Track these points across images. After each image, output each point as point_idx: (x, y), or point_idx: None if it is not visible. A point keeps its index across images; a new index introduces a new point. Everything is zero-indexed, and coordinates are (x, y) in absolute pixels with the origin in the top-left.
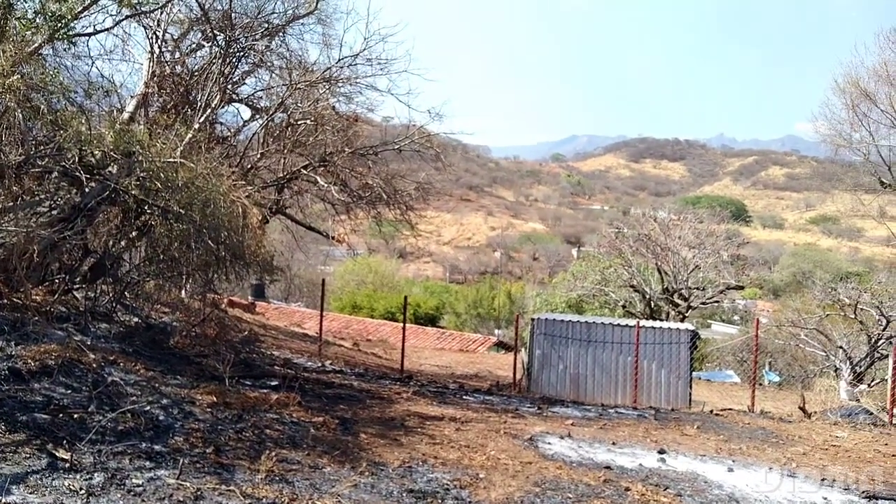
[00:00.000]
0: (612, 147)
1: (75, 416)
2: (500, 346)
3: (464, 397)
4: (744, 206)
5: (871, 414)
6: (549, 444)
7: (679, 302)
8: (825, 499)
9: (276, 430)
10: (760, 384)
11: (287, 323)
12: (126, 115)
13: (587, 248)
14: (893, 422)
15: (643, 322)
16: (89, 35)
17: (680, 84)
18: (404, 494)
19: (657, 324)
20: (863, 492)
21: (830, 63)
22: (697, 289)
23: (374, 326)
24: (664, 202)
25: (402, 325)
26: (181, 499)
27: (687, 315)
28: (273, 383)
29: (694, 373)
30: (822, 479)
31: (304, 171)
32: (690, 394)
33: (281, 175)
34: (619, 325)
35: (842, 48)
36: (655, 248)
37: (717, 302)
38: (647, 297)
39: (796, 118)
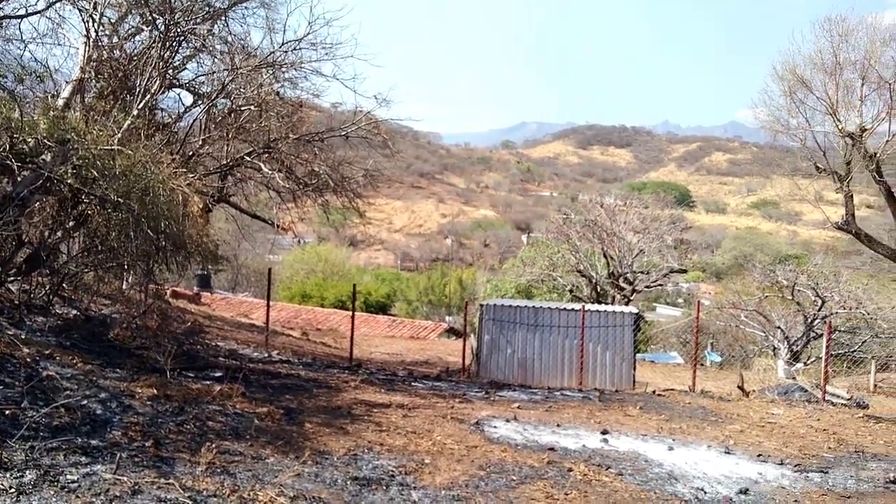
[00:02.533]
0: (560, 134)
1: (7, 412)
2: (452, 332)
3: (412, 384)
4: (688, 191)
5: (806, 391)
6: (495, 427)
7: (624, 286)
8: (760, 474)
9: (219, 422)
10: (702, 365)
11: (234, 313)
12: (61, 102)
13: (536, 234)
14: (826, 398)
15: (589, 306)
16: (20, 17)
17: (627, 71)
18: (349, 482)
19: (602, 307)
20: (796, 466)
21: (771, 51)
22: (642, 273)
23: (323, 315)
24: (611, 188)
25: (352, 313)
26: (118, 494)
27: (632, 298)
28: (217, 375)
29: (638, 354)
30: (758, 455)
31: (248, 158)
32: (634, 375)
33: (224, 162)
34: (565, 309)
35: (782, 36)
36: (602, 234)
37: (660, 285)
38: (594, 281)
39: (738, 105)
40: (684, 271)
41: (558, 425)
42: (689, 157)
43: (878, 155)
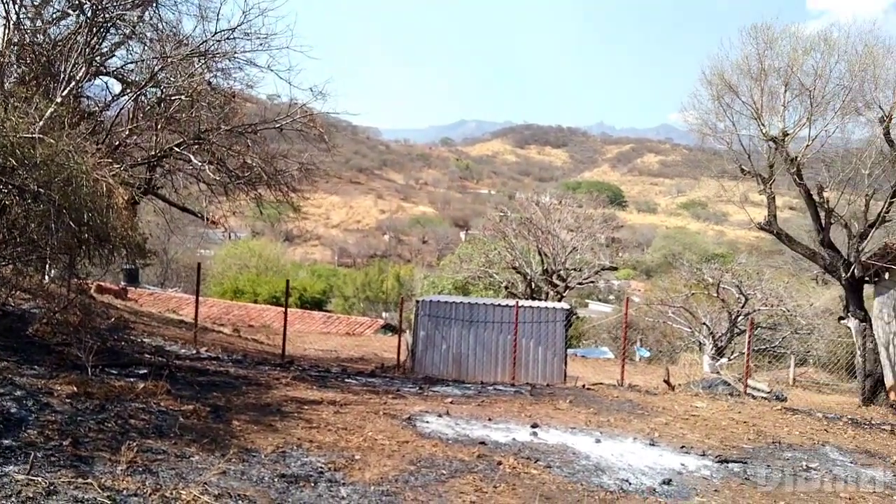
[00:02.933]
0: (499, 133)
1: None
2: (388, 328)
3: (346, 380)
4: (621, 191)
5: (729, 385)
6: (428, 422)
7: (558, 282)
8: (683, 465)
9: (142, 420)
10: (632, 359)
11: (162, 309)
12: None
13: (474, 231)
14: (747, 391)
15: (522, 302)
16: None
17: (564, 73)
18: (276, 479)
19: (535, 303)
20: (716, 457)
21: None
22: (575, 270)
23: (256, 312)
24: (547, 187)
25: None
26: (31, 495)
27: (565, 295)
28: (142, 372)
29: (570, 349)
30: (682, 447)
31: (177, 150)
32: (565, 370)
33: (152, 153)
34: (499, 305)
35: (712, 42)
36: (537, 232)
37: (592, 282)
38: (529, 278)
39: (670, 108)
40: (615, 269)
41: (490, 419)
42: (622, 157)
43: (798, 158)
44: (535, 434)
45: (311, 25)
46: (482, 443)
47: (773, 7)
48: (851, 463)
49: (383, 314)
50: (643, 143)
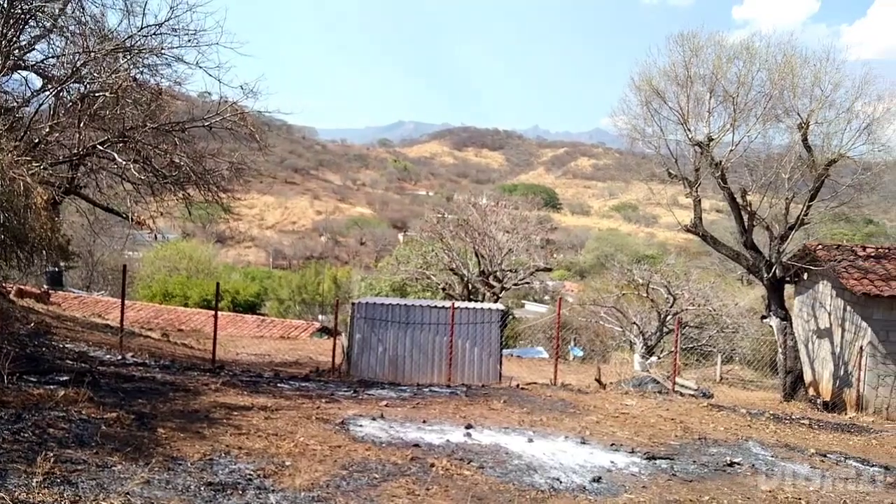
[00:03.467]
0: (437, 134)
1: None
2: (325, 331)
3: (278, 385)
4: (555, 194)
5: (658, 383)
6: (361, 426)
7: (494, 283)
8: (612, 462)
9: (62, 429)
10: (565, 359)
11: (87, 313)
12: None
13: (412, 232)
14: (675, 389)
15: (458, 303)
16: None
17: (500, 76)
18: (202, 488)
19: (471, 305)
20: (645, 454)
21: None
22: (511, 271)
23: (187, 315)
24: (484, 189)
25: (219, 313)
26: None
27: (501, 296)
28: (62, 379)
29: (507, 350)
30: (612, 445)
31: (101, 148)
32: (501, 370)
33: (74, 151)
34: (436, 306)
35: (642, 49)
36: (474, 233)
37: (528, 283)
38: (466, 279)
39: (602, 113)
40: (549, 270)
41: (424, 421)
42: (556, 161)
43: (723, 163)
44: (468, 435)
45: (244, 22)
46: (416, 445)
47: (700, 16)
48: (773, 457)
49: (320, 317)
50: (577, 146)
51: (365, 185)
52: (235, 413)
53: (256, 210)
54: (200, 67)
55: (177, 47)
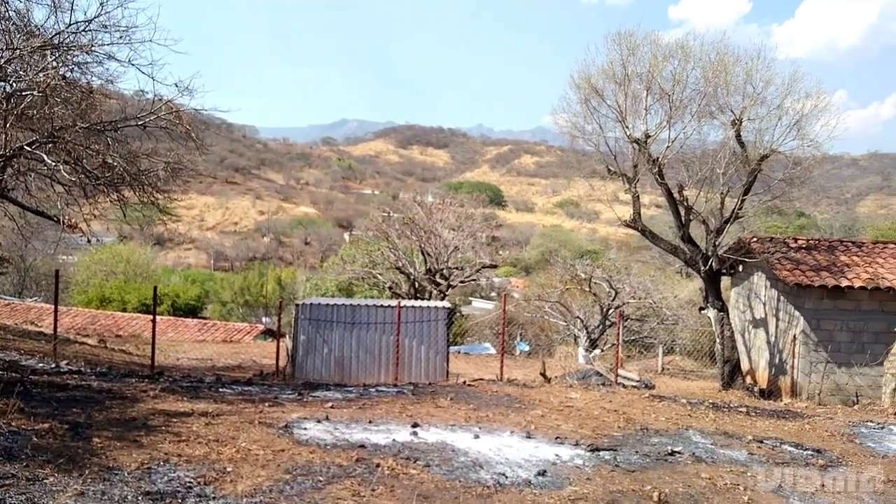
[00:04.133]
0: (381, 133)
1: None
2: (269, 333)
3: (220, 390)
4: (500, 191)
5: (602, 375)
6: (305, 429)
7: (440, 281)
8: (557, 455)
9: None
10: (512, 354)
11: (19, 321)
12: None
13: (358, 232)
14: (618, 381)
15: (404, 302)
16: None
17: (443, 75)
18: (140, 497)
19: (417, 303)
20: (589, 446)
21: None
22: (457, 268)
23: (125, 321)
24: (430, 187)
25: (158, 317)
26: None
27: (447, 294)
28: None
29: (454, 347)
30: (556, 438)
31: (29, 149)
32: (448, 367)
33: (1, 153)
34: (382, 306)
35: (581, 48)
36: (420, 232)
37: (474, 280)
38: (412, 277)
39: (544, 111)
40: (495, 266)
41: (370, 422)
42: (500, 159)
43: (660, 159)
44: (415, 434)
45: (177, 19)
46: (361, 446)
47: (638, 15)
48: (712, 445)
49: (264, 319)
50: (520, 144)
51: (309, 185)
52: (175, 420)
53: (196, 211)
54: (133, 65)
55: (108, 44)
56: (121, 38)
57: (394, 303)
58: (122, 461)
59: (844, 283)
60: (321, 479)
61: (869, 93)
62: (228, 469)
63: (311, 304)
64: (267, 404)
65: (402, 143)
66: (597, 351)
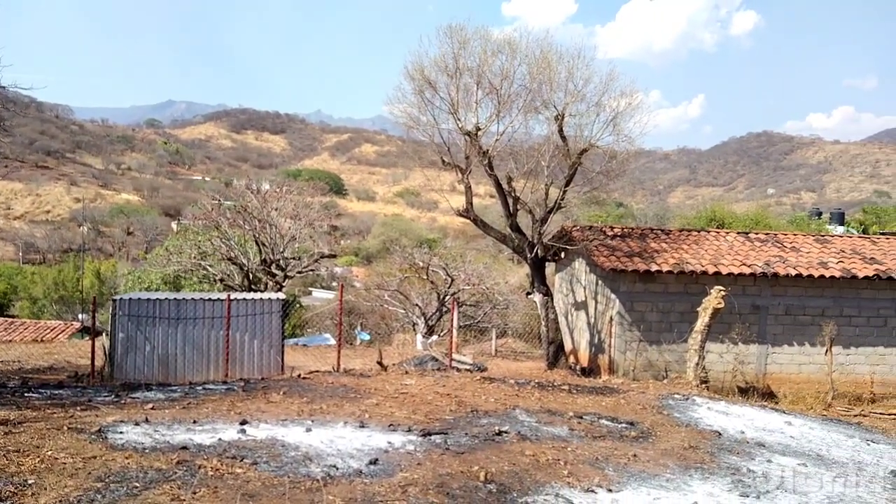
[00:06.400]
0: (212, 116)
1: None
2: (87, 332)
3: (25, 395)
4: (341, 180)
5: (438, 360)
6: (122, 433)
7: (277, 272)
8: (390, 443)
9: None
10: (352, 344)
11: None
12: None
13: (186, 220)
14: (453, 365)
15: (235, 294)
16: None
17: (279, 58)
18: None
19: (249, 295)
20: (421, 430)
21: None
22: (294, 258)
23: None
24: (266, 174)
25: None
26: None
27: (284, 285)
28: None
29: (293, 339)
30: (390, 425)
31: None
32: (283, 361)
33: None
34: (210, 299)
35: (416, 38)
36: (254, 221)
37: (312, 270)
38: (246, 269)
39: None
40: (334, 256)
41: (195, 422)
42: (340, 147)
43: (490, 151)
44: (243, 431)
45: None
46: (184, 447)
47: (473, 9)
48: (536, 422)
49: (80, 316)
50: (360, 133)
51: (131, 170)
52: None
53: (2, 198)
54: None
55: None
56: None
57: (223, 296)
58: None
59: (654, 267)
60: (137, 485)
61: (679, 93)
62: (30, 481)
63: (129, 299)
64: (79, 408)
65: (235, 128)
66: (434, 337)
